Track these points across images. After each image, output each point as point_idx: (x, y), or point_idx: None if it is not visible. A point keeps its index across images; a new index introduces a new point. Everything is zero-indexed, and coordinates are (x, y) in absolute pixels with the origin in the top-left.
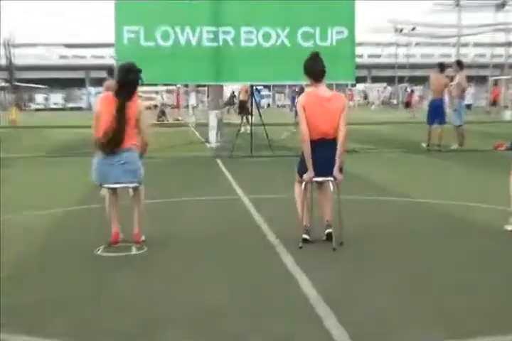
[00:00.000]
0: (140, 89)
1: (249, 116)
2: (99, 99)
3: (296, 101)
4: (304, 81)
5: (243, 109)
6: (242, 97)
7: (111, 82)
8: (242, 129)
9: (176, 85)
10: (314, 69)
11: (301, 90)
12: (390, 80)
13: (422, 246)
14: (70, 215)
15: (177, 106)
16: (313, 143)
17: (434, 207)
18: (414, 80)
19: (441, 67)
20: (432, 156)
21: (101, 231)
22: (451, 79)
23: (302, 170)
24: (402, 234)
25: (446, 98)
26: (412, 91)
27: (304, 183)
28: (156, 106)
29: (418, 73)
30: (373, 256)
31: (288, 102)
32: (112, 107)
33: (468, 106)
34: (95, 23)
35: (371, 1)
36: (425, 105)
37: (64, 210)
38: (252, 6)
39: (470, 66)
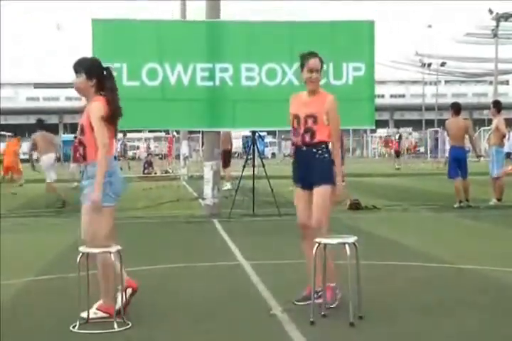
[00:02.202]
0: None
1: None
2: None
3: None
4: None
5: (227, 162)
6: (223, 146)
7: (42, 135)
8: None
9: (164, 132)
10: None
11: None
12: (415, 124)
13: (460, 321)
14: (35, 286)
15: (169, 156)
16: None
17: (471, 274)
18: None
19: (456, 108)
20: (463, 215)
21: (72, 303)
22: (488, 122)
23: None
24: (432, 305)
25: (469, 145)
26: (400, 137)
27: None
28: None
29: (448, 116)
30: (398, 337)
31: None
32: None
33: (509, 155)
34: (69, 59)
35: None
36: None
37: (26, 280)
38: (253, 37)
39: (511, 107)
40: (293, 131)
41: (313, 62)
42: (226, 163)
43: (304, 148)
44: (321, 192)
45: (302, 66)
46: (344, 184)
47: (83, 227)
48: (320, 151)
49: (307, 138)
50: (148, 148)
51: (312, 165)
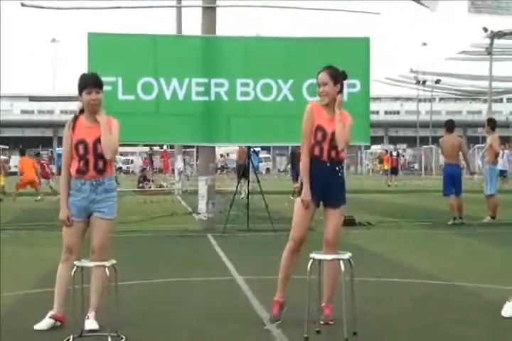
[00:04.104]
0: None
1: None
2: None
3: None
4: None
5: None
6: (240, 161)
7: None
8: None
9: (159, 146)
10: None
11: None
12: (410, 141)
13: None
14: (29, 299)
15: (165, 171)
16: None
17: (469, 292)
18: (439, 141)
19: (449, 125)
20: (457, 232)
21: (66, 317)
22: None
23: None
24: (428, 323)
25: (463, 163)
26: (398, 154)
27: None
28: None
29: (443, 133)
30: None
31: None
32: None
33: (503, 173)
34: (64, 72)
35: (388, 49)
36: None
37: (21, 293)
38: (249, 53)
39: (505, 125)
40: (308, 142)
41: (320, 76)
42: (245, 176)
43: (328, 164)
44: (340, 214)
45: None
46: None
47: (99, 240)
48: (342, 170)
49: (334, 155)
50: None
51: (333, 184)
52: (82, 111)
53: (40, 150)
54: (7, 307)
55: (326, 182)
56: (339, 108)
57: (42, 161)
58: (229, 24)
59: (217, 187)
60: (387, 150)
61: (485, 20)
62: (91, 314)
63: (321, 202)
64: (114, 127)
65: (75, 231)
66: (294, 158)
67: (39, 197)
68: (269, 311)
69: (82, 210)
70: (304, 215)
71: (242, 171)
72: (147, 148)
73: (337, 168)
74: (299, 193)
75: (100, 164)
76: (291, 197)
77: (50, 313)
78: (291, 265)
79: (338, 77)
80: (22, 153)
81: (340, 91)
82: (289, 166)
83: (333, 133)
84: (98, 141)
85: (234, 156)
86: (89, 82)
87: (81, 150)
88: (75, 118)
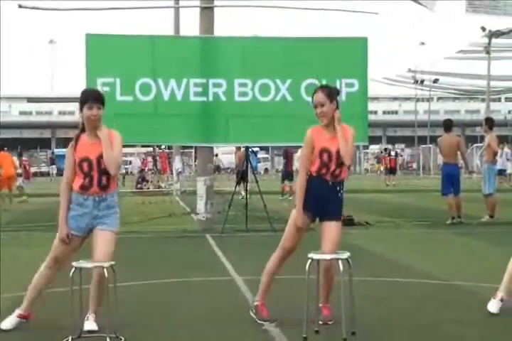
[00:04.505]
0: None
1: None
2: None
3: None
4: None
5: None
6: (239, 167)
7: None
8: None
9: (158, 147)
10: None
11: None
12: (408, 141)
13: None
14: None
15: (163, 171)
16: None
17: (468, 291)
18: (437, 141)
19: (447, 125)
20: (456, 231)
21: (65, 317)
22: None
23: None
24: (427, 321)
25: (461, 162)
26: (396, 153)
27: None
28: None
29: (441, 133)
30: None
31: None
32: None
33: (502, 172)
34: (62, 73)
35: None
36: None
37: (20, 295)
38: (247, 53)
39: (503, 124)
40: (308, 163)
41: (317, 96)
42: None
43: (330, 183)
44: (337, 228)
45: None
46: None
47: (105, 251)
48: (343, 189)
49: (337, 173)
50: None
51: (331, 201)
52: (83, 129)
53: (38, 151)
54: (7, 308)
55: (324, 199)
56: (339, 124)
57: (24, 162)
58: (227, 24)
59: (216, 187)
60: (386, 149)
61: (483, 20)
62: (91, 315)
63: (317, 218)
64: (116, 140)
65: (70, 245)
66: (286, 158)
67: (24, 198)
68: (258, 315)
69: (83, 225)
70: (299, 226)
71: (241, 174)
72: (145, 149)
73: (338, 188)
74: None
75: (104, 180)
76: (280, 198)
77: (18, 312)
78: (277, 271)
79: (333, 94)
80: (1, 148)
81: (337, 107)
82: None
83: (338, 152)
84: (101, 156)
85: (223, 157)
86: (91, 97)
87: (85, 168)
88: (77, 137)
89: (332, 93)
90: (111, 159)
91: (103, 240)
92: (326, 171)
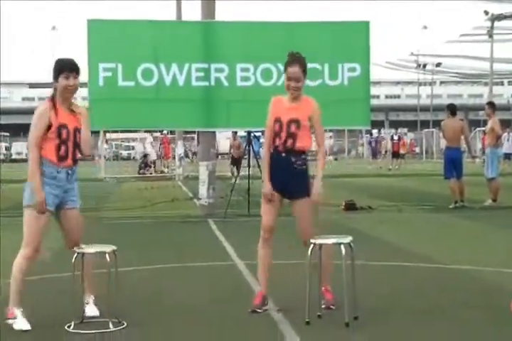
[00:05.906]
0: (118, 136)
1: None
2: None
3: None
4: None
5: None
6: (237, 155)
7: None
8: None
9: (160, 132)
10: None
11: None
12: (411, 125)
13: (457, 322)
14: (29, 286)
15: (166, 157)
16: None
17: (471, 275)
18: (440, 125)
19: (452, 109)
20: (458, 215)
21: (64, 304)
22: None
23: None
24: (428, 306)
25: (464, 146)
26: (400, 138)
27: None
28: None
29: (444, 117)
30: (393, 337)
31: None
32: None
33: (508, 156)
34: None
35: (388, 32)
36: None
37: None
38: (249, 37)
39: (506, 108)
40: (270, 134)
41: (292, 71)
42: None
43: (283, 155)
44: (304, 206)
45: (285, 70)
46: (322, 183)
47: (79, 230)
48: (299, 162)
49: (289, 144)
50: (144, 148)
51: (290, 177)
52: (53, 98)
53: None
54: (8, 293)
55: (283, 175)
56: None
57: None
58: (227, 16)
59: (218, 172)
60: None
61: (486, 3)
62: (90, 298)
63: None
64: (88, 120)
65: (43, 223)
66: None
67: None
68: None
69: (57, 200)
70: (271, 203)
71: (235, 163)
72: (147, 134)
73: (293, 160)
74: None
75: (76, 154)
76: None
77: (20, 310)
78: (265, 254)
79: (306, 69)
80: None
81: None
82: None
83: (289, 121)
84: (76, 130)
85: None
86: (67, 67)
87: (64, 135)
88: (54, 100)
89: (306, 68)
90: (88, 140)
91: (76, 220)
92: (279, 141)
